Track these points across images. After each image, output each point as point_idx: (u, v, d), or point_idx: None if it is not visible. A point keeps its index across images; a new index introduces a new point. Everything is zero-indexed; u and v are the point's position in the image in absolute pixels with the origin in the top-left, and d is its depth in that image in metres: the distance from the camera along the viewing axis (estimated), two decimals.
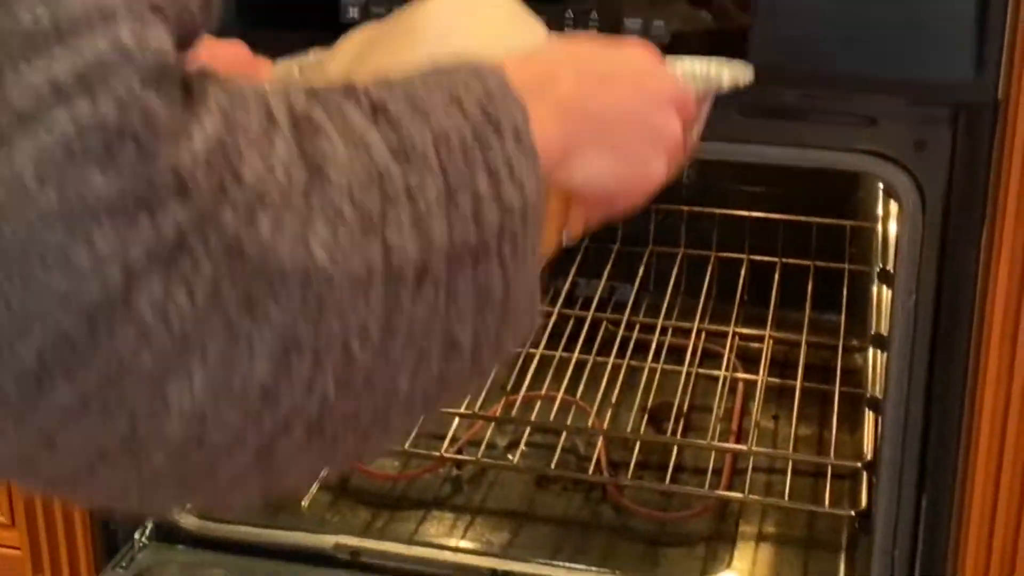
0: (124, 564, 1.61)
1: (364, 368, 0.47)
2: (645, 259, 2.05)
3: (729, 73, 1.00)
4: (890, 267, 1.43)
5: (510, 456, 1.73)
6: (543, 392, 1.83)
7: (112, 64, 0.41)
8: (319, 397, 0.46)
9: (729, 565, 1.60)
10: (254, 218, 0.43)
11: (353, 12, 1.29)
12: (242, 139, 0.44)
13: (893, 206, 1.44)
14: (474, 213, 0.50)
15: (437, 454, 1.68)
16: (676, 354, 1.89)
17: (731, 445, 1.73)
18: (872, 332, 1.55)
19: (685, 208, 2.06)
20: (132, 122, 0.41)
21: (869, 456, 1.59)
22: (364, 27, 0.88)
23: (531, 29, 0.88)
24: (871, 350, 1.62)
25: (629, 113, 0.69)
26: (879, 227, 1.60)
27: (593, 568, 1.58)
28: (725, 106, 1.27)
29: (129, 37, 0.42)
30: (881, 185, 1.53)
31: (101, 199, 0.41)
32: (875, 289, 1.61)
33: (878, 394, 1.50)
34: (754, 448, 1.66)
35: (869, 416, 1.61)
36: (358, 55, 0.84)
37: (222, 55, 0.72)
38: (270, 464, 0.47)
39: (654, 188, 0.72)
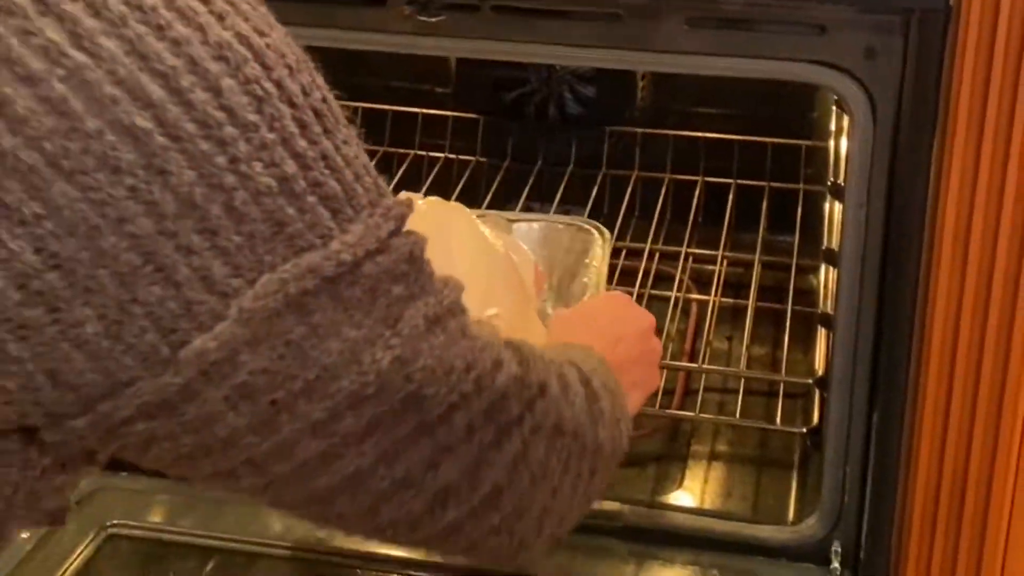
0: None
1: (592, 491, 0.88)
2: (599, 182, 2.02)
3: (602, 251, 1.43)
4: (841, 180, 1.40)
5: None
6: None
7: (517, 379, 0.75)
8: (581, 502, 0.86)
9: (680, 485, 1.59)
10: (589, 415, 0.84)
11: None
12: (568, 383, 0.83)
13: (845, 120, 1.41)
14: (624, 429, 0.94)
15: None
16: (629, 276, 1.87)
17: (682, 363, 1.71)
18: (824, 247, 1.53)
19: (639, 130, 2.04)
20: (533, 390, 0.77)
21: (821, 372, 1.57)
22: None
23: (483, 234, 1.27)
24: (823, 267, 1.60)
25: (639, 354, 1.12)
26: (831, 143, 1.58)
27: None
28: (672, 18, 1.26)
29: (515, 367, 0.75)
30: (834, 98, 1.51)
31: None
32: (827, 205, 1.59)
33: (829, 310, 1.48)
34: (705, 366, 1.64)
35: (821, 333, 1.60)
36: None
37: None
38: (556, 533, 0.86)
39: (655, 390, 1.22)
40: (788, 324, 1.74)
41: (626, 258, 1.90)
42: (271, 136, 0.60)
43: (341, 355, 0.63)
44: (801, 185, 1.95)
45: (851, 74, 1.25)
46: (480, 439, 0.72)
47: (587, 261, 1.47)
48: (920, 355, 1.31)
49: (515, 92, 2.07)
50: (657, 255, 1.91)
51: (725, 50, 1.29)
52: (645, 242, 1.91)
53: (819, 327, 1.61)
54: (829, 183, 1.51)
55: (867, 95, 1.26)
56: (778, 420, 1.60)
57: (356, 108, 1.90)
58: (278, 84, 0.61)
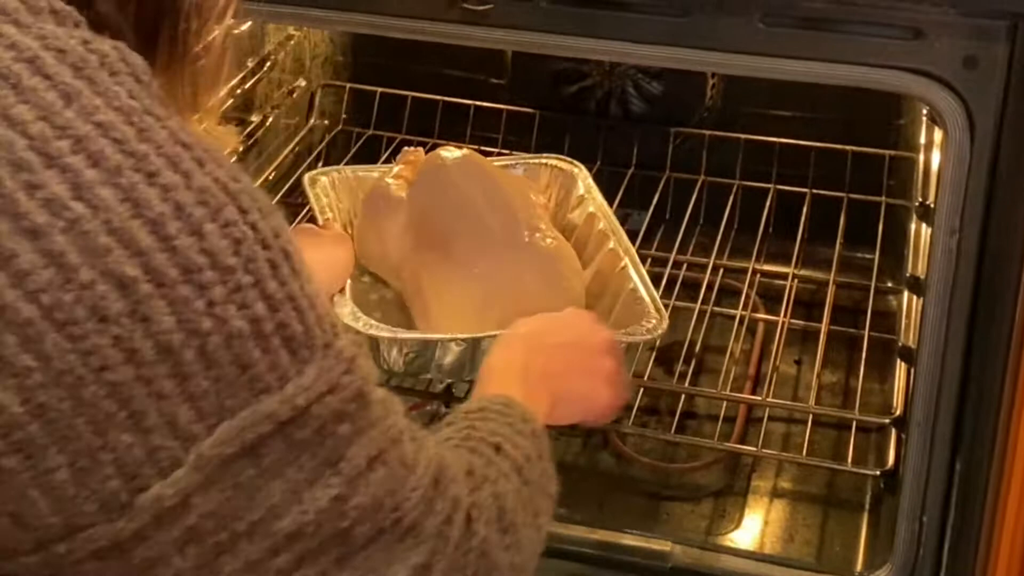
0: None
1: None
2: (662, 185, 1.91)
3: (588, 183, 1.62)
4: (931, 202, 1.31)
5: None
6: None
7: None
8: None
9: (739, 524, 1.50)
10: (499, 534, 0.81)
11: None
12: (469, 491, 0.80)
13: (938, 134, 1.32)
14: (547, 496, 0.91)
15: (421, 389, 1.54)
16: (691, 289, 1.77)
17: (745, 396, 1.60)
18: (908, 274, 1.41)
19: (707, 132, 1.93)
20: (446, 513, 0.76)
21: (899, 411, 1.46)
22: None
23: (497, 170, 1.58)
24: (905, 294, 1.48)
25: (579, 367, 1.14)
26: (920, 157, 1.46)
27: (587, 522, 1.46)
28: (746, 14, 1.16)
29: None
30: (925, 110, 1.38)
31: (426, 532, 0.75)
32: (913, 226, 1.46)
33: (911, 343, 1.37)
34: (770, 399, 1.53)
35: (900, 367, 1.48)
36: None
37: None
38: None
39: (605, 408, 1.18)
40: (864, 352, 1.61)
41: (688, 269, 1.78)
42: (246, 279, 0.63)
43: (283, 495, 0.66)
44: (883, 198, 1.83)
45: (947, 85, 1.17)
46: (400, 563, 0.73)
47: (581, 194, 1.61)
48: (1013, 397, 1.22)
49: (575, 86, 1.97)
50: (722, 269, 1.79)
51: (804, 52, 1.20)
52: (711, 252, 1.79)
53: (898, 360, 1.49)
54: (917, 204, 1.39)
55: (965, 109, 1.18)
56: (849, 460, 1.49)
57: (405, 97, 1.81)
58: (253, 227, 0.64)
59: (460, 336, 1.32)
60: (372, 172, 1.64)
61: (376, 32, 1.33)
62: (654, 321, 1.37)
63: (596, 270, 1.49)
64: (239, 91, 1.79)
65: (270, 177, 1.89)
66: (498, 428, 0.91)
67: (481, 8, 1.24)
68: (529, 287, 1.39)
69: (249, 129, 1.85)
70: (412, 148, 1.63)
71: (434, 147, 1.91)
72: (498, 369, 1.07)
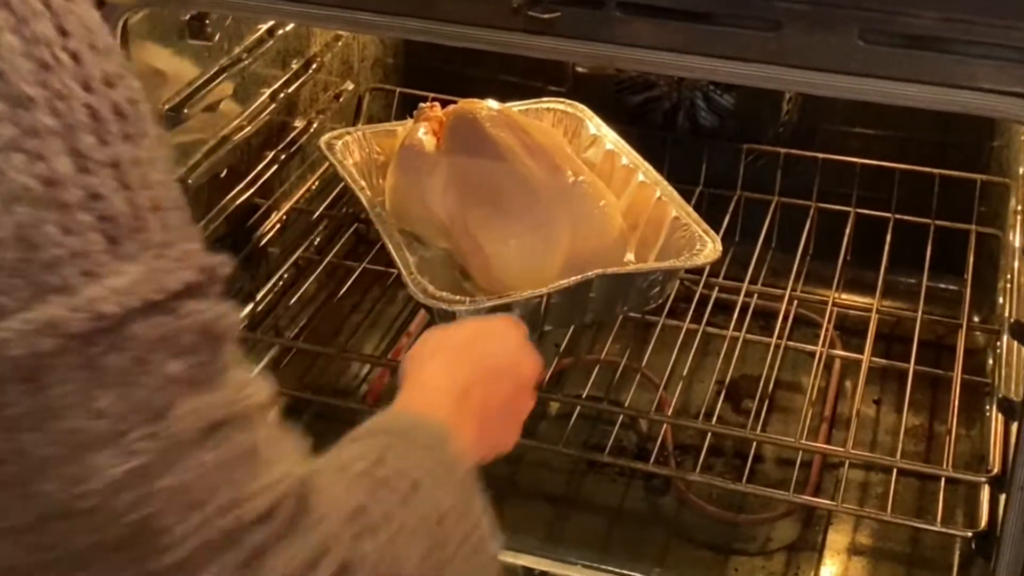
0: None
1: None
2: (732, 206, 1.78)
3: (596, 122, 1.63)
4: None
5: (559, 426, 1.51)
6: (602, 356, 1.59)
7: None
8: None
9: None
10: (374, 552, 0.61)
11: None
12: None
13: None
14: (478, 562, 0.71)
15: None
16: (762, 319, 1.65)
17: (824, 446, 1.47)
18: (1011, 319, 1.28)
19: (782, 150, 1.79)
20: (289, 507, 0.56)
21: (996, 468, 1.33)
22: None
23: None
24: (1005, 339, 1.34)
25: (509, 407, 0.98)
26: None
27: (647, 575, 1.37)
28: (845, 30, 1.03)
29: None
30: None
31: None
32: (1016, 265, 1.33)
33: (1013, 395, 1.24)
34: (852, 451, 1.40)
35: (997, 418, 1.35)
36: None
37: None
38: None
39: (501, 454, 0.98)
40: (955, 398, 1.46)
41: (760, 298, 1.65)
42: (48, 121, 0.47)
43: (62, 448, 0.47)
44: (973, 226, 1.70)
45: None
46: None
47: (593, 133, 1.63)
48: None
49: (640, 96, 1.86)
50: (796, 302, 1.65)
51: (908, 74, 1.08)
52: (784, 279, 1.67)
53: (995, 411, 1.36)
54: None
55: None
56: (938, 517, 1.36)
57: (457, 102, 1.70)
58: (75, 56, 0.49)
59: (536, 293, 1.32)
60: (387, 128, 1.65)
61: (431, 40, 1.21)
62: (710, 245, 1.41)
63: (629, 204, 1.52)
64: (282, 94, 1.69)
65: (313, 187, 1.78)
66: (423, 461, 0.72)
67: (547, 16, 1.13)
68: (582, 229, 1.41)
69: (292, 135, 1.75)
70: (428, 104, 1.62)
71: None
72: (435, 385, 0.89)
